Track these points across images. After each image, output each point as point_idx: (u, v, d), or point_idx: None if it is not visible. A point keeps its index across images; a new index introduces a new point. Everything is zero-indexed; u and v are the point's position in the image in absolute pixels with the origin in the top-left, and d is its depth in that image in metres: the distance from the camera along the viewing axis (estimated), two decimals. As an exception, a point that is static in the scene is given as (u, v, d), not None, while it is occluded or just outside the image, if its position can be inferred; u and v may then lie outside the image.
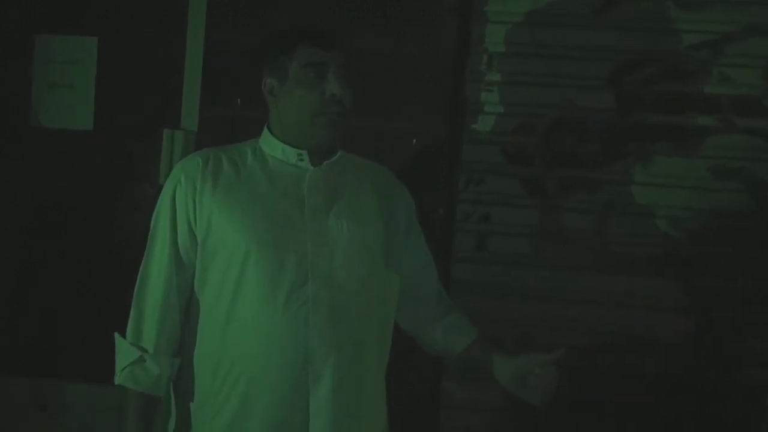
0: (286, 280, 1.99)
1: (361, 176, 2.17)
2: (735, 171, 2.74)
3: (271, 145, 2.11)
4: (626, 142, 2.79)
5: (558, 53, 2.80)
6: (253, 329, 1.99)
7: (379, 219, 2.14)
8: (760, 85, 2.74)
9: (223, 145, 2.18)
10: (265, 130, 2.14)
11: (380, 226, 2.13)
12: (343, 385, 2.01)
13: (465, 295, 2.82)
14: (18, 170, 3.07)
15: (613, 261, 2.78)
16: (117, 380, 2.07)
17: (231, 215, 2.03)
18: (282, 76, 2.06)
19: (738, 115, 2.75)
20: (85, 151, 3.04)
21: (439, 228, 2.79)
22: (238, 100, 2.84)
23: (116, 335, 2.09)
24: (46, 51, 3.04)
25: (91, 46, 3.03)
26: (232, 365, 2.01)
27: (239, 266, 2.00)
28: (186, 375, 2.10)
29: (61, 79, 3.04)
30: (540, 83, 2.81)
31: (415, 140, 2.79)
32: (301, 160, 2.08)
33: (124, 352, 2.07)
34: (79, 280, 3.03)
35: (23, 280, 3.09)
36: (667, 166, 2.77)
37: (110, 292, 2.86)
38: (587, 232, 2.81)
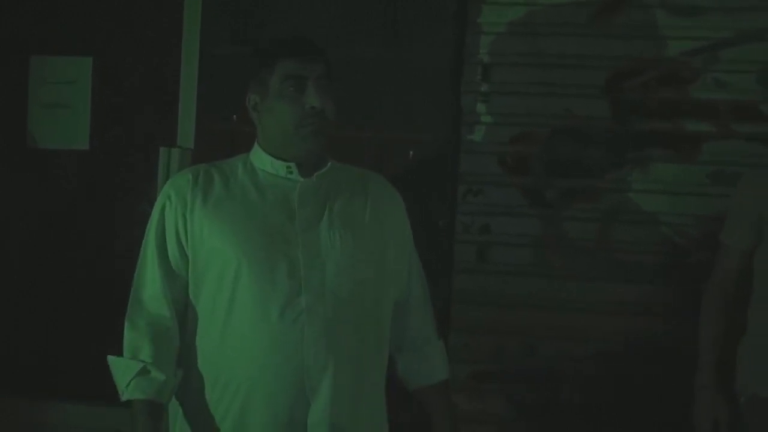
0: (280, 293, 1.98)
1: (353, 184, 2.16)
2: (734, 176, 2.74)
3: (260, 159, 2.11)
4: (625, 149, 2.79)
5: (554, 62, 2.80)
6: (249, 342, 1.98)
7: (372, 226, 2.12)
8: (756, 90, 2.74)
9: (214, 161, 2.18)
10: (255, 144, 2.14)
11: (374, 233, 2.12)
12: (341, 396, 2.00)
13: (467, 305, 2.81)
14: (15, 191, 3.06)
15: (615, 269, 2.78)
16: (124, 396, 2.03)
17: (222, 229, 2.03)
18: (263, 91, 2.07)
19: (735, 120, 2.75)
20: (81, 170, 3.03)
21: (439, 239, 2.77)
22: (234, 116, 2.83)
23: (109, 358, 2.06)
24: (42, 72, 3.05)
25: (86, 66, 3.03)
26: (230, 378, 2.00)
27: (232, 280, 2.00)
28: (184, 387, 2.08)
29: (56, 100, 3.04)
30: (536, 92, 2.81)
31: (412, 152, 2.79)
32: (291, 172, 2.08)
33: (123, 368, 2.04)
34: (78, 299, 3.01)
35: (22, 299, 3.07)
36: (666, 172, 2.77)
37: (109, 311, 2.84)
38: (588, 240, 2.80)
